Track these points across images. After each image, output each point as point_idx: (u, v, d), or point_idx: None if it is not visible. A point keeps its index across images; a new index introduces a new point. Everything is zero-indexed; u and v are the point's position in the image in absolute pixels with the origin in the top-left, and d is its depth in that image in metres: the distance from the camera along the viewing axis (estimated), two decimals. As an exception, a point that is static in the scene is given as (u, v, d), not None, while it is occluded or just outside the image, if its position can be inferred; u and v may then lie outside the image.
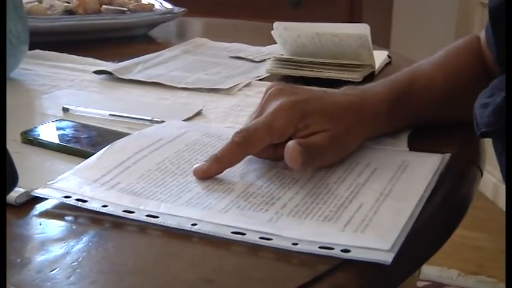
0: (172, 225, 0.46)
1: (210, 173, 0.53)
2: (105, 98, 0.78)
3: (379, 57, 0.90)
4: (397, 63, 0.92)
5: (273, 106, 0.54)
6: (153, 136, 0.60)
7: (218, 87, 0.81)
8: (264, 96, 0.57)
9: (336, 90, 0.59)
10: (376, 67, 0.87)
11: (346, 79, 0.81)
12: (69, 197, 0.49)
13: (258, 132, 0.53)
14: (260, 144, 0.53)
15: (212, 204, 0.48)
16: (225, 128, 0.66)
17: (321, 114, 0.54)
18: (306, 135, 0.53)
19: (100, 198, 0.49)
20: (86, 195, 0.49)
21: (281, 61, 0.86)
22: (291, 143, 0.51)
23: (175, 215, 0.47)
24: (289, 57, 0.86)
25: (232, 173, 0.53)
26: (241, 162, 0.55)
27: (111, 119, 0.69)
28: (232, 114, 0.71)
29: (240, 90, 0.81)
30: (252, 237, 0.44)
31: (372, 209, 0.47)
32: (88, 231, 0.46)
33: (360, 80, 0.81)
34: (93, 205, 0.48)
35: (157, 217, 0.46)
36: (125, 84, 0.83)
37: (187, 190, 0.50)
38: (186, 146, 0.59)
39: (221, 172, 0.53)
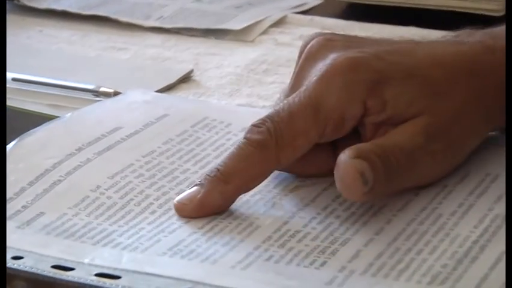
0: (146, 292, 0.50)
1: (203, 210, 0.55)
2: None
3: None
4: None
5: (319, 70, 0.57)
6: (102, 123, 0.65)
7: (223, 27, 0.85)
8: (299, 57, 0.60)
9: (439, 39, 0.63)
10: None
11: (478, 12, 0.84)
12: None
13: (296, 119, 0.56)
14: (302, 143, 0.56)
15: (220, 253, 0.52)
16: (237, 108, 0.70)
17: (408, 79, 0.56)
18: (384, 123, 0.57)
19: (7, 242, 0.52)
20: (-21, 234, 0.53)
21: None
22: (343, 154, 0.53)
23: (152, 274, 0.50)
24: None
25: (255, 196, 0.58)
26: (270, 177, 0.59)
27: (18, 87, 0.73)
28: (250, 81, 0.75)
29: (264, 33, 0.85)
30: (296, 315, 0.48)
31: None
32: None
33: (502, 13, 0.84)
34: (-4, 254, 0.52)
35: (119, 277, 0.50)
36: (40, 20, 0.87)
37: (172, 229, 0.54)
38: (163, 144, 0.63)
39: (227, 206, 0.56)
